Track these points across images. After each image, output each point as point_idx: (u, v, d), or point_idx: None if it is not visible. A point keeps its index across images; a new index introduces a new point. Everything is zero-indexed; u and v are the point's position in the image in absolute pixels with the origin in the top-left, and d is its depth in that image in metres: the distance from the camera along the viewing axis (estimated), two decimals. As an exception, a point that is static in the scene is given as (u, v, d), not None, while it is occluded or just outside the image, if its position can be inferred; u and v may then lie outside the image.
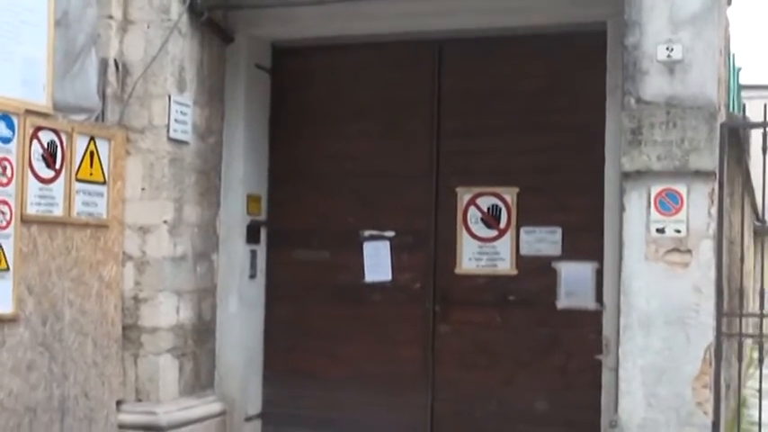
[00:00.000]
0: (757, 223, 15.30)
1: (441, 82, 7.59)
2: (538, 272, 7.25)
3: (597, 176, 6.81)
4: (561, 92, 7.26)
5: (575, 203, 7.12)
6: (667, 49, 6.04)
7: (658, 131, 6.01)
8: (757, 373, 6.75)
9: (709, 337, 5.95)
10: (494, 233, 7.40)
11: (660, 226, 6.02)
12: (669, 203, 6.02)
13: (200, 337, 7.36)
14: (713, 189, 6.00)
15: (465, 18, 7.33)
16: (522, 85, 7.38)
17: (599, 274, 6.97)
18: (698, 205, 5.99)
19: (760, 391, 6.44)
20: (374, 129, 7.74)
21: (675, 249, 6.00)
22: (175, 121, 7.00)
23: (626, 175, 6.12)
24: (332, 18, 7.45)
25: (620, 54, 6.43)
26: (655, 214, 6.04)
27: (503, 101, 7.41)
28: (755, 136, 7.32)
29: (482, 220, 7.42)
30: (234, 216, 7.65)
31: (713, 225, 5.99)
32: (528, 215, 7.32)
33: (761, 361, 6.22)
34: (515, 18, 7.24)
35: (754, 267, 16.61)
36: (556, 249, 7.21)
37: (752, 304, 14.66)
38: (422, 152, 7.57)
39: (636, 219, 6.09)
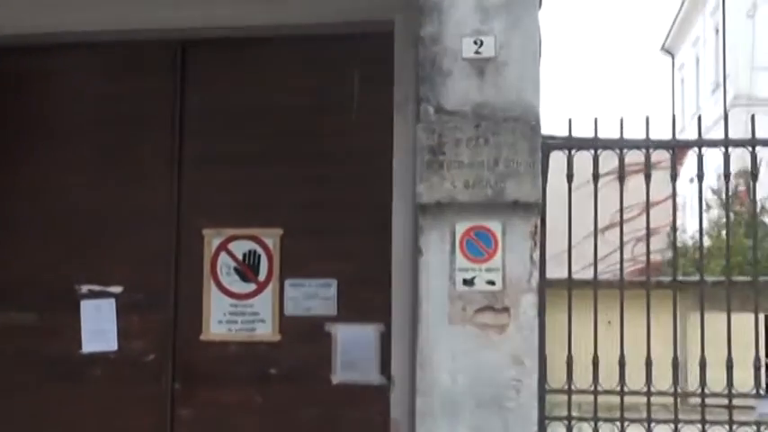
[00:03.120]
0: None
1: (184, 94, 5.96)
2: (307, 337, 5.69)
3: (384, 213, 5.38)
4: (339, 108, 5.78)
5: (355, 248, 5.63)
6: (475, 42, 4.65)
7: (465, 150, 4.58)
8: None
9: (533, 423, 4.50)
10: (251, 288, 5.81)
11: (468, 276, 4.59)
12: (480, 246, 4.59)
13: None
14: (536, 226, 4.61)
15: (214, 12, 5.76)
16: (289, 100, 5.85)
17: (386, 338, 5.50)
18: (517, 248, 4.58)
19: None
20: (97, 154, 6.01)
21: (489, 308, 4.57)
22: None
23: (423, 209, 4.65)
24: (36, 8, 5.75)
25: (411, 57, 5.07)
26: (461, 260, 4.61)
27: (264, 119, 5.87)
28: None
29: (236, 270, 5.84)
30: None
31: (536, 274, 4.58)
32: (295, 264, 5.76)
33: (595, 451, 4.84)
34: (279, 14, 5.76)
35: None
36: (330, 307, 5.69)
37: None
38: (158, 183, 5.90)
39: (436, 267, 4.65)
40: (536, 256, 4.58)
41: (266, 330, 5.76)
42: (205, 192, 5.87)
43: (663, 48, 40.79)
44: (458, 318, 4.56)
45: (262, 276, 5.81)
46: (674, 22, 38.41)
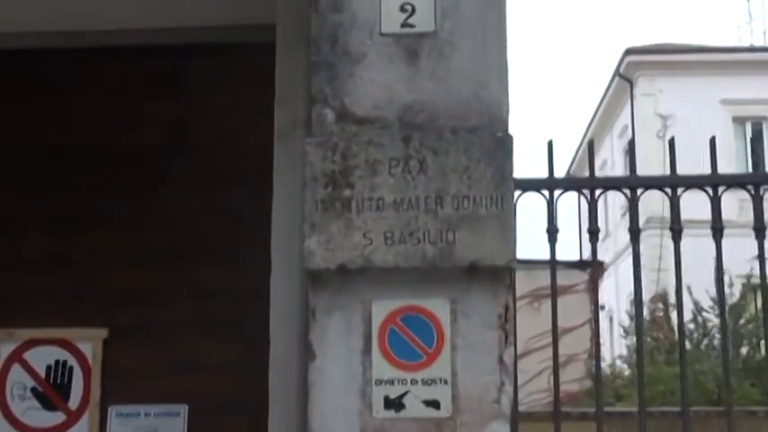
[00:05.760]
0: None
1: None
2: (140, 496, 3.80)
3: (260, 298, 3.50)
4: (201, 148, 4.06)
5: (216, 355, 3.83)
6: (403, 9, 2.88)
7: (388, 180, 2.77)
8: None
9: None
10: (58, 419, 3.96)
11: (395, 393, 2.74)
12: (413, 341, 2.76)
13: None
14: (506, 306, 2.75)
15: (13, 11, 3.95)
16: (120, 137, 4.11)
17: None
18: (476, 344, 2.74)
19: None
20: None
21: (430, 446, 2.68)
22: None
23: (316, 279, 2.80)
24: None
25: (301, 65, 3.32)
26: (382, 366, 2.77)
27: (80, 166, 4.10)
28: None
29: (35, 392, 4.02)
30: None
31: (509, 388, 2.72)
32: (125, 382, 3.96)
33: None
34: (109, 15, 3.98)
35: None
36: (175, 449, 3.87)
37: None
38: None
39: (338, 377, 2.80)
40: (508, 356, 2.72)
41: (78, 485, 3.88)
42: (-11, 273, 4.01)
43: (568, 174, 40.25)
44: (377, 465, 2.67)
45: (74, 401, 4.00)
46: (578, 149, 37.85)
